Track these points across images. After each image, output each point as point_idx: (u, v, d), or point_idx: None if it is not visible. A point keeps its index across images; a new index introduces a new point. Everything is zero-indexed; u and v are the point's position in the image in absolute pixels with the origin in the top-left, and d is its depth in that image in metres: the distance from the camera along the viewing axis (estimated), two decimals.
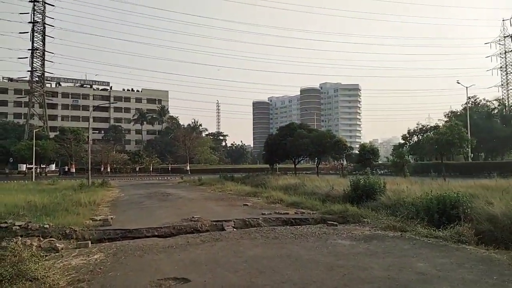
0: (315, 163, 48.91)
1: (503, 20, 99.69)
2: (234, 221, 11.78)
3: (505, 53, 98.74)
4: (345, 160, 53.47)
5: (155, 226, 11.14)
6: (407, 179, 24.19)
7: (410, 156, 39.98)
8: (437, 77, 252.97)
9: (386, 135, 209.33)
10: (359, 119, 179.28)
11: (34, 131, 55.81)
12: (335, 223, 10.84)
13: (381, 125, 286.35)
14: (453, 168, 42.96)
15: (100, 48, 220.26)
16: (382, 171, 41.97)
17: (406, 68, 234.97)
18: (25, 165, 63.21)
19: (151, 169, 71.71)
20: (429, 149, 33.33)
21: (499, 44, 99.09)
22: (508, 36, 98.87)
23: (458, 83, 47.49)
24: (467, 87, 49.52)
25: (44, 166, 68.57)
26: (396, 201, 13.60)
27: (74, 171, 66.08)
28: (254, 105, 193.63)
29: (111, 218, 12.88)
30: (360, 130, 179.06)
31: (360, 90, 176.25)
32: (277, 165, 46.51)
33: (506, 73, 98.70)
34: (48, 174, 64.09)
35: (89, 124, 44.81)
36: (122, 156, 76.39)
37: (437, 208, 10.66)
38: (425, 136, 37.38)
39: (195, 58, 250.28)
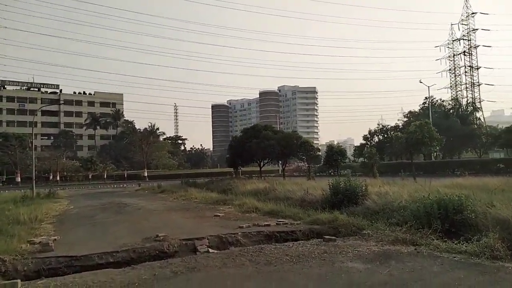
0: (280, 165, 47.40)
1: (451, 25, 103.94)
2: (208, 239, 9.75)
3: (453, 56, 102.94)
4: (306, 161, 52.59)
5: (110, 250, 8.89)
6: (378, 179, 23.46)
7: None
8: (389, 79, 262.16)
9: (342, 137, 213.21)
10: (317, 121, 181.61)
11: None
12: (333, 237, 9.10)
13: (336, 126, 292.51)
14: (417, 167, 43.08)
15: (49, 49, 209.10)
16: (346, 171, 41.41)
17: (359, 70, 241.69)
18: None
19: (105, 176, 67.65)
20: (399, 148, 32.83)
21: (448, 47, 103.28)
22: (456, 40, 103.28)
23: (420, 82, 48.09)
24: (429, 87, 50.38)
25: None
26: (384, 205, 12.29)
27: (19, 180, 60.85)
28: (213, 108, 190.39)
29: (55, 239, 10.49)
30: (317, 132, 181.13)
31: (317, 92, 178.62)
32: (241, 168, 44.74)
33: (455, 75, 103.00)
34: None
35: (32, 128, 40.86)
36: (73, 163, 71.68)
37: (438, 214, 9.33)
38: (393, 134, 36.99)
39: (150, 60, 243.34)
